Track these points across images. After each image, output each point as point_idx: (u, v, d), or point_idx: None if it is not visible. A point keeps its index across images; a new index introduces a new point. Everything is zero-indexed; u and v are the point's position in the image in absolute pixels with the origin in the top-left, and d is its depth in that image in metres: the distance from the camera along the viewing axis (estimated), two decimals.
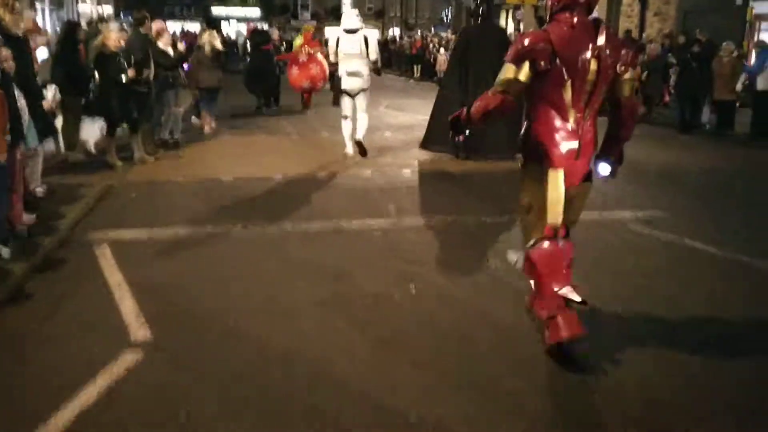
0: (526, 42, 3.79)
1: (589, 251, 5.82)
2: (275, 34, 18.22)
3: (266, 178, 8.64)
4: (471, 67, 9.83)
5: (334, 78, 17.31)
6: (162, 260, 5.54)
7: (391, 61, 35.34)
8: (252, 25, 28.56)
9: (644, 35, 22.34)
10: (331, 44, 10.06)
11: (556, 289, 3.82)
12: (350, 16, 10.00)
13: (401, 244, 6.01)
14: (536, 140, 3.90)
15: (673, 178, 9.22)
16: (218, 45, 12.46)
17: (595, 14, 3.96)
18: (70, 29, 9.50)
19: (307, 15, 64.46)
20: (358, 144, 9.96)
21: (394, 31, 62.08)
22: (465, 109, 4.11)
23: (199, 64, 12.11)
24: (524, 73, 3.77)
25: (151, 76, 9.68)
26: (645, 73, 15.36)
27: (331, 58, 10.12)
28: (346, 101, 9.94)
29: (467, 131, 4.23)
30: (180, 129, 11.09)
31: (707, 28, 16.46)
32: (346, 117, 9.99)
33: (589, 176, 4.04)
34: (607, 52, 3.75)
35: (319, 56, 14.81)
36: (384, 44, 39.20)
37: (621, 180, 8.85)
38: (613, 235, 6.41)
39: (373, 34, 10.38)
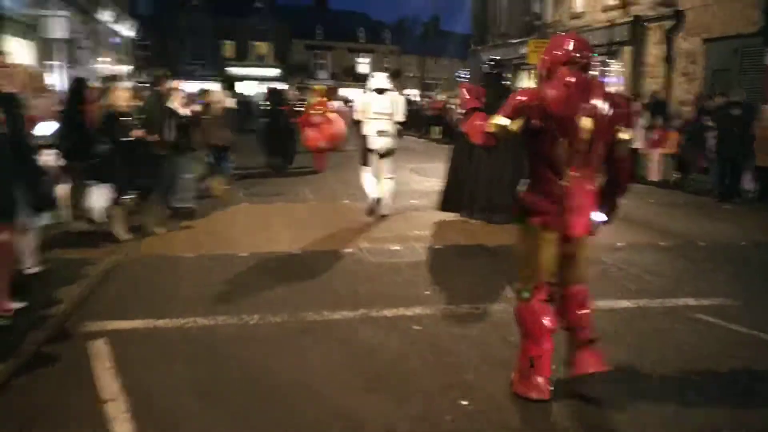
0: (522, 98, 3.89)
1: (665, 349, 5.04)
2: (290, 93, 18.44)
3: (285, 252, 7.90)
4: None
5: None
6: (167, 361, 4.74)
7: (410, 122, 34.87)
8: (272, 85, 28.89)
9: (674, 97, 21.84)
10: (358, 104, 10.22)
11: (531, 354, 4.06)
12: (379, 77, 10.24)
13: (444, 342, 5.17)
14: (533, 198, 4.00)
15: (728, 255, 8.37)
16: (228, 103, 12.57)
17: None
18: (76, 87, 8.94)
19: (325, 75, 64.95)
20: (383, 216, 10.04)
21: (411, 92, 62.38)
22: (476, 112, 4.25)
23: (209, 123, 12.02)
24: (517, 125, 3.88)
25: (171, 137, 9.15)
26: (683, 138, 14.70)
27: (357, 116, 10.12)
28: (372, 161, 9.97)
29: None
30: (193, 197, 10.42)
31: (738, 89, 15.87)
32: (369, 173, 10.05)
33: (589, 230, 4.05)
34: (604, 111, 3.79)
35: (332, 115, 15.73)
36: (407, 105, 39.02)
37: (673, 258, 8.20)
38: (684, 328, 5.56)
39: (400, 97, 10.43)
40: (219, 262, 7.45)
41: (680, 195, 13.61)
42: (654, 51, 22.88)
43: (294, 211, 10.80)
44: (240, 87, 57.15)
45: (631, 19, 23.75)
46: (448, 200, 10.08)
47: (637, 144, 16.04)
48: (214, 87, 41.57)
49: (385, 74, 10.47)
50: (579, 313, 4.08)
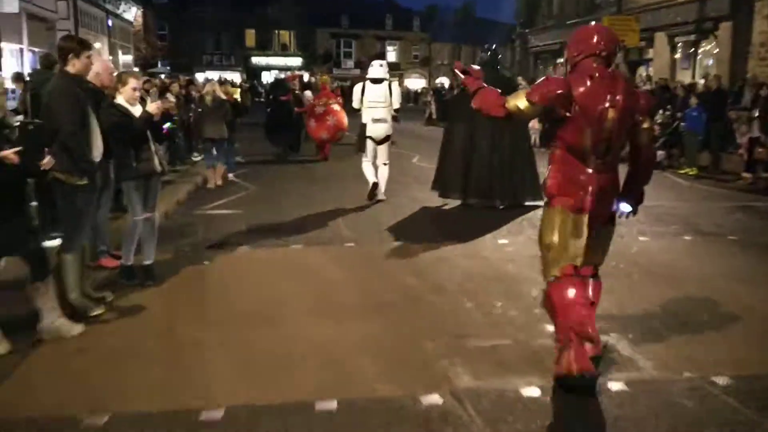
0: (550, 88, 3.97)
1: None
2: (296, 83, 18.24)
3: (302, 406, 3.75)
4: (477, 114, 8.06)
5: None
6: None
7: (443, 112, 30.41)
8: (290, 73, 26.34)
9: None
10: (356, 93, 10.32)
11: (570, 324, 3.94)
12: (375, 66, 10.40)
13: None
14: (559, 183, 4.04)
15: None
16: (221, 95, 11.90)
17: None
18: None
19: (351, 63, 60.99)
20: (379, 200, 10.19)
21: (441, 80, 58.08)
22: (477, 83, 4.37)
23: (201, 115, 11.82)
24: (533, 111, 4.06)
25: (96, 155, 5.22)
26: None
27: (355, 104, 10.36)
28: (369, 147, 10.18)
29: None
30: (153, 251, 6.26)
31: None
32: (368, 162, 10.24)
33: (612, 219, 4.20)
34: (624, 102, 3.89)
35: (336, 107, 15.50)
36: (436, 93, 34.50)
37: None
38: None
39: (396, 85, 10.71)
40: None
41: None
42: (763, 27, 18.38)
43: (319, 271, 6.54)
44: (264, 77, 54.31)
45: None
46: (444, 185, 10.20)
47: None
48: (235, 77, 38.45)
49: (380, 63, 10.57)
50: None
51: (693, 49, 21.76)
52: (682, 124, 14.66)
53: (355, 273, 6.45)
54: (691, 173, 14.01)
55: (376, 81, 10.12)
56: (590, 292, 4.12)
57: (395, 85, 10.58)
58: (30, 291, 4.68)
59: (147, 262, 6.18)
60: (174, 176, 12.11)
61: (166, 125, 11.99)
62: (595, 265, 4.19)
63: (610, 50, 3.99)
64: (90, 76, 6.13)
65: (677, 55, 22.55)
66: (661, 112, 15.56)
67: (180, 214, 9.37)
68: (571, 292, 3.98)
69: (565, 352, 3.92)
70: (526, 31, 33.36)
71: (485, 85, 4.36)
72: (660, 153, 14.19)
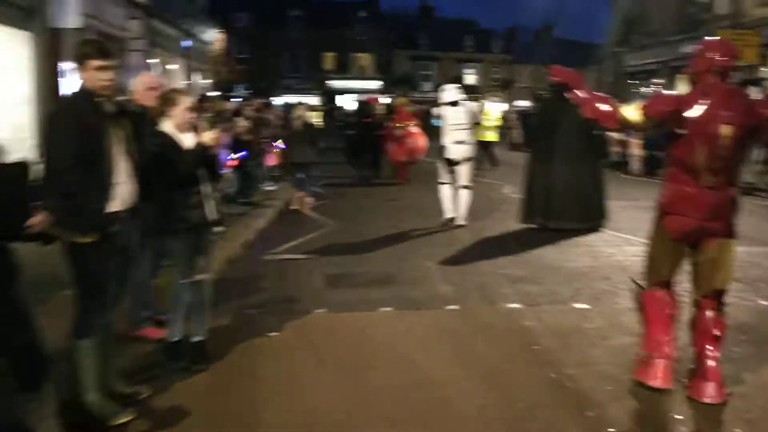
0: (660, 104, 4.05)
1: None
2: (377, 106, 17.90)
3: None
4: (555, 135, 9.71)
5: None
6: None
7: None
8: (370, 97, 25.82)
9: None
10: (434, 115, 10.82)
11: (653, 338, 4.09)
12: (449, 90, 10.35)
13: None
14: (671, 200, 3.99)
15: None
16: (309, 119, 11.96)
17: None
18: None
19: (429, 86, 59.59)
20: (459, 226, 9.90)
21: (523, 103, 56.12)
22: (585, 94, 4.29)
23: (291, 140, 11.88)
24: (644, 124, 4.07)
25: (119, 202, 3.89)
26: None
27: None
28: (445, 169, 10.06)
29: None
30: (204, 324, 4.83)
31: None
32: (444, 183, 10.08)
33: (730, 235, 3.99)
34: (741, 118, 3.77)
35: (415, 129, 15.42)
36: (521, 117, 32.40)
37: None
38: None
39: (474, 106, 10.89)
40: None
41: None
42: None
43: (423, 356, 4.90)
44: (340, 100, 53.70)
45: None
46: (527, 212, 10.03)
47: None
48: (313, 101, 37.84)
49: (454, 86, 10.50)
50: (703, 344, 4.02)
51: None
52: None
53: (469, 357, 4.85)
54: None
55: (453, 104, 10.12)
56: (710, 326, 4.01)
57: (471, 104, 10.63)
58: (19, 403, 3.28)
59: (196, 339, 4.75)
60: (244, 210, 10.83)
61: (235, 156, 10.91)
62: (718, 295, 4.07)
63: (726, 64, 3.90)
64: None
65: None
66: None
67: (247, 260, 7.98)
68: (658, 308, 4.09)
69: (644, 361, 4.14)
70: (623, 50, 31.27)
71: (593, 94, 4.31)
72: None
